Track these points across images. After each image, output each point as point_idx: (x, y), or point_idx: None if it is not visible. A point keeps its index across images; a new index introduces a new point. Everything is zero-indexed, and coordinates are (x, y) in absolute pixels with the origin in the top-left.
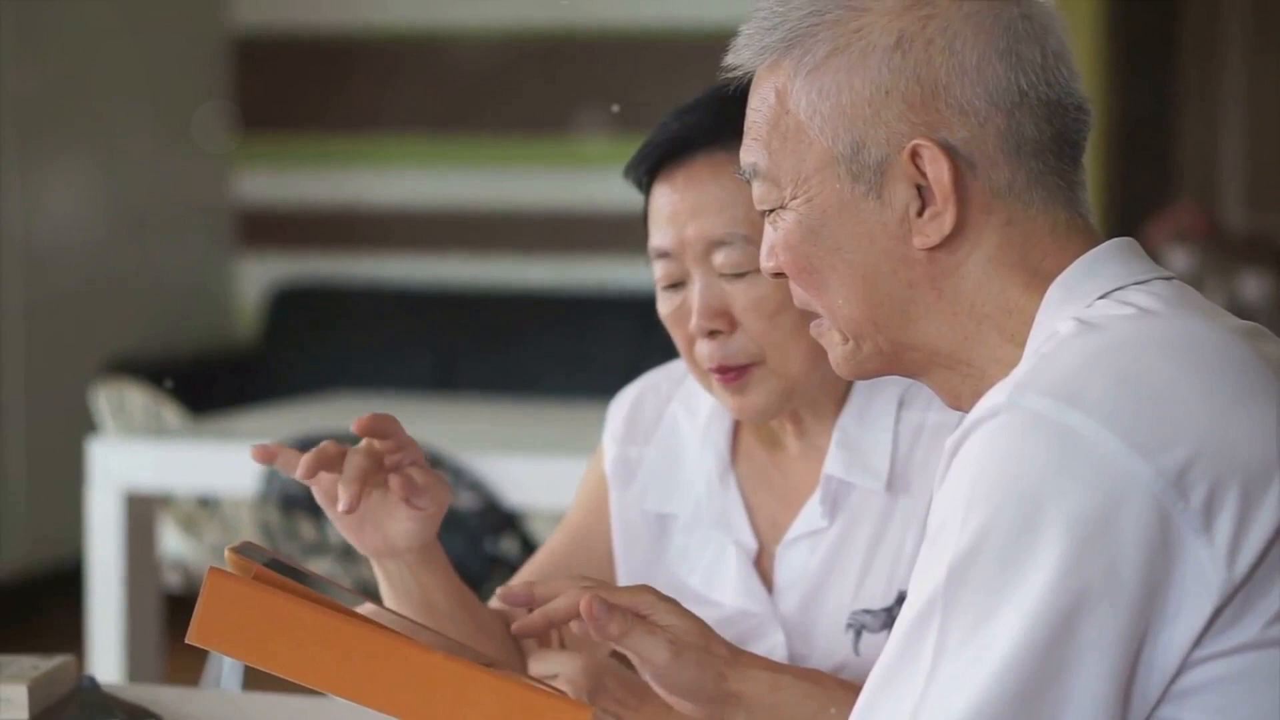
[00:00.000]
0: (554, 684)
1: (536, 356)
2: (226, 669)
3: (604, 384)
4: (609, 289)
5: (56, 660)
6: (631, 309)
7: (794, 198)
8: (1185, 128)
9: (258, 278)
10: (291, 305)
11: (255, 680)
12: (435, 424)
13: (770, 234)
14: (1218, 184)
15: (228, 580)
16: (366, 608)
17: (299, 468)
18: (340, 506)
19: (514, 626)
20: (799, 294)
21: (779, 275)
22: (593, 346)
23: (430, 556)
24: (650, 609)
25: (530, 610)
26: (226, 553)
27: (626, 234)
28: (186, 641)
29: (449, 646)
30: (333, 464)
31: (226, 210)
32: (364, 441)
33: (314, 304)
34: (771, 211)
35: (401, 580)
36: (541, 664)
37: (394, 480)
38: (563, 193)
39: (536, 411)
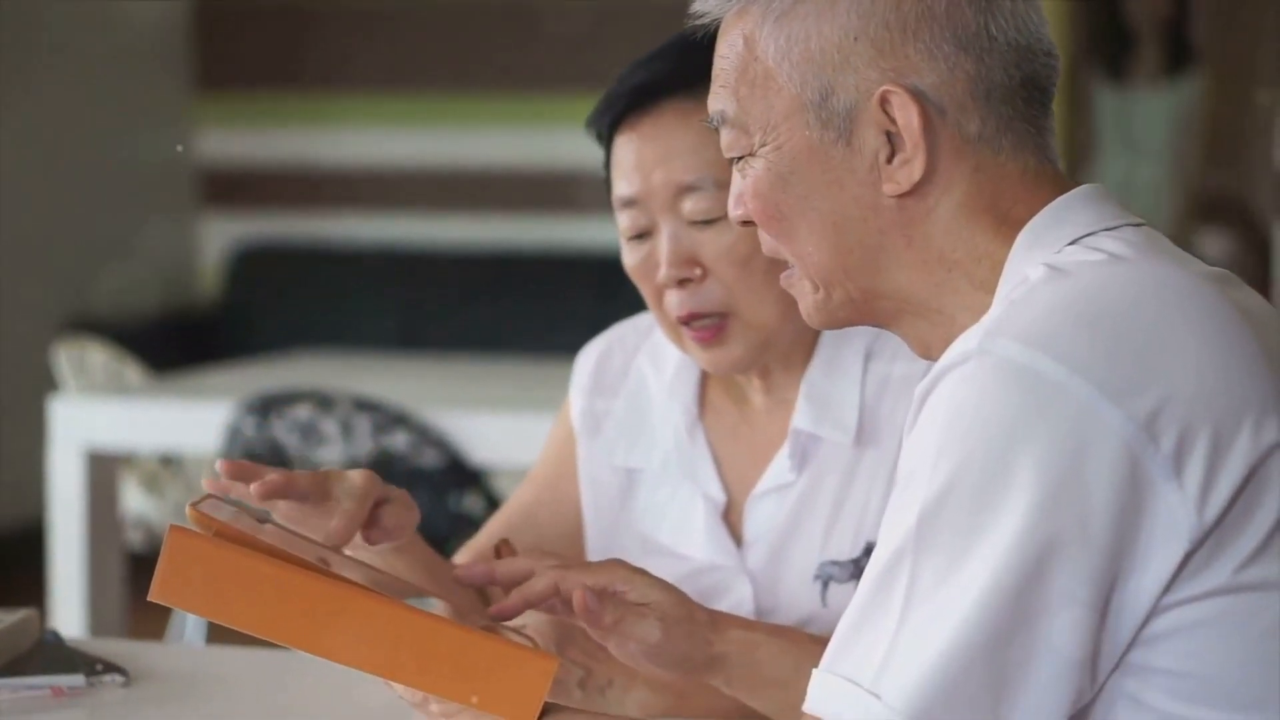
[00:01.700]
0: (523, 634)
1: (500, 315)
2: (190, 624)
3: (568, 342)
4: (573, 247)
5: (19, 614)
6: (596, 267)
7: (763, 145)
8: None
9: (220, 237)
10: (254, 264)
11: (219, 636)
12: (399, 381)
13: (738, 182)
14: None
15: (189, 537)
16: (319, 551)
17: (260, 485)
18: (331, 543)
19: (490, 610)
20: (768, 242)
21: (747, 223)
22: (557, 305)
23: (403, 548)
24: (626, 583)
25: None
26: (188, 508)
27: (591, 192)
28: (149, 599)
29: (410, 592)
30: (299, 494)
31: (188, 169)
32: (361, 485)
33: (276, 263)
34: (740, 159)
35: (367, 558)
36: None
37: (365, 533)
38: (526, 151)
39: (500, 369)
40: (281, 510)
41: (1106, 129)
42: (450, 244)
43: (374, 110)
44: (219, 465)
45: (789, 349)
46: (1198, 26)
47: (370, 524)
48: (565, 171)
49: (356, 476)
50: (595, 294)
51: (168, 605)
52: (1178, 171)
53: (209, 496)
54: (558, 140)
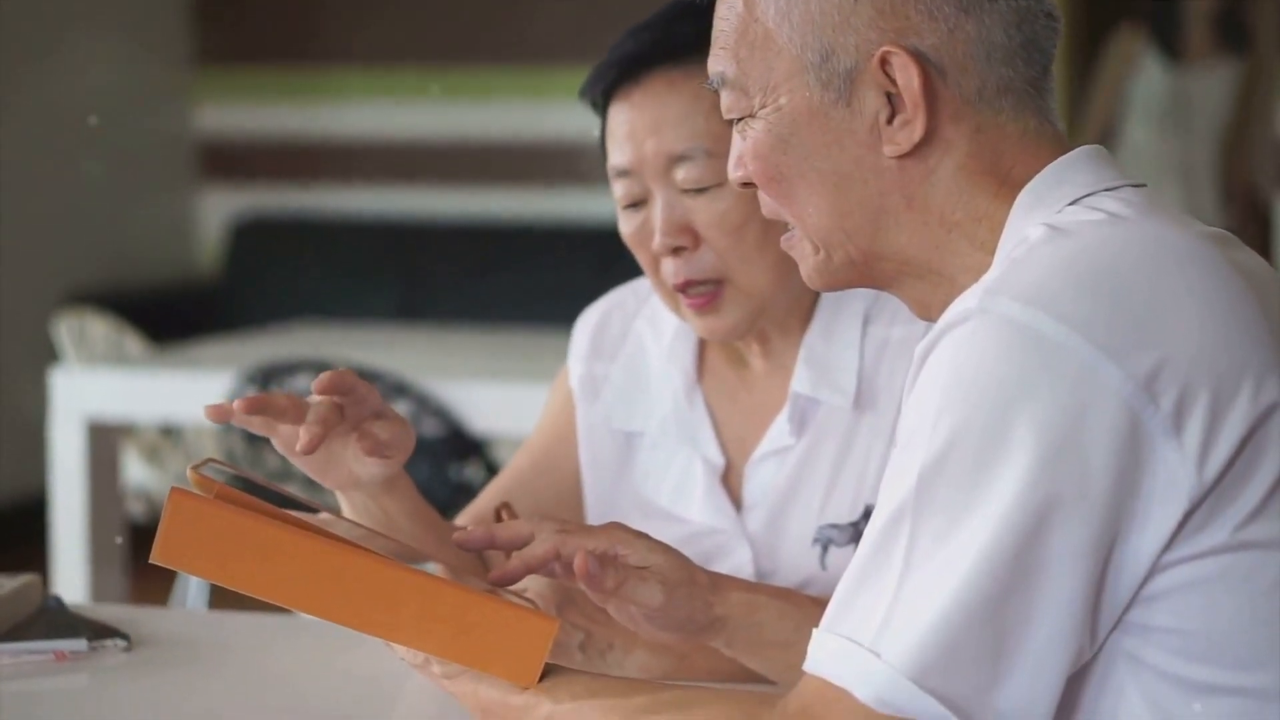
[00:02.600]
0: (523, 597)
1: (500, 287)
2: (193, 589)
3: (568, 314)
4: (572, 219)
5: (21, 579)
6: (595, 239)
7: (763, 106)
8: None
9: (219, 209)
10: (254, 237)
11: (221, 603)
12: (400, 352)
13: (738, 143)
14: None
15: (190, 499)
16: (323, 517)
17: (241, 402)
18: (299, 446)
19: (491, 576)
20: (768, 204)
21: (747, 185)
22: (556, 277)
23: (394, 485)
24: (627, 547)
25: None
26: (189, 471)
27: (590, 164)
28: (150, 561)
29: (410, 556)
30: (285, 415)
31: (188, 142)
32: (325, 397)
33: (276, 236)
34: (740, 120)
35: (365, 507)
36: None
37: (358, 442)
38: (526, 123)
39: (501, 339)
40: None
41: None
42: (449, 216)
43: (373, 83)
44: (205, 410)
45: (786, 314)
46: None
47: (361, 435)
48: (564, 143)
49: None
50: (594, 265)
51: (169, 567)
52: (1224, 152)
53: (210, 460)
54: (557, 112)
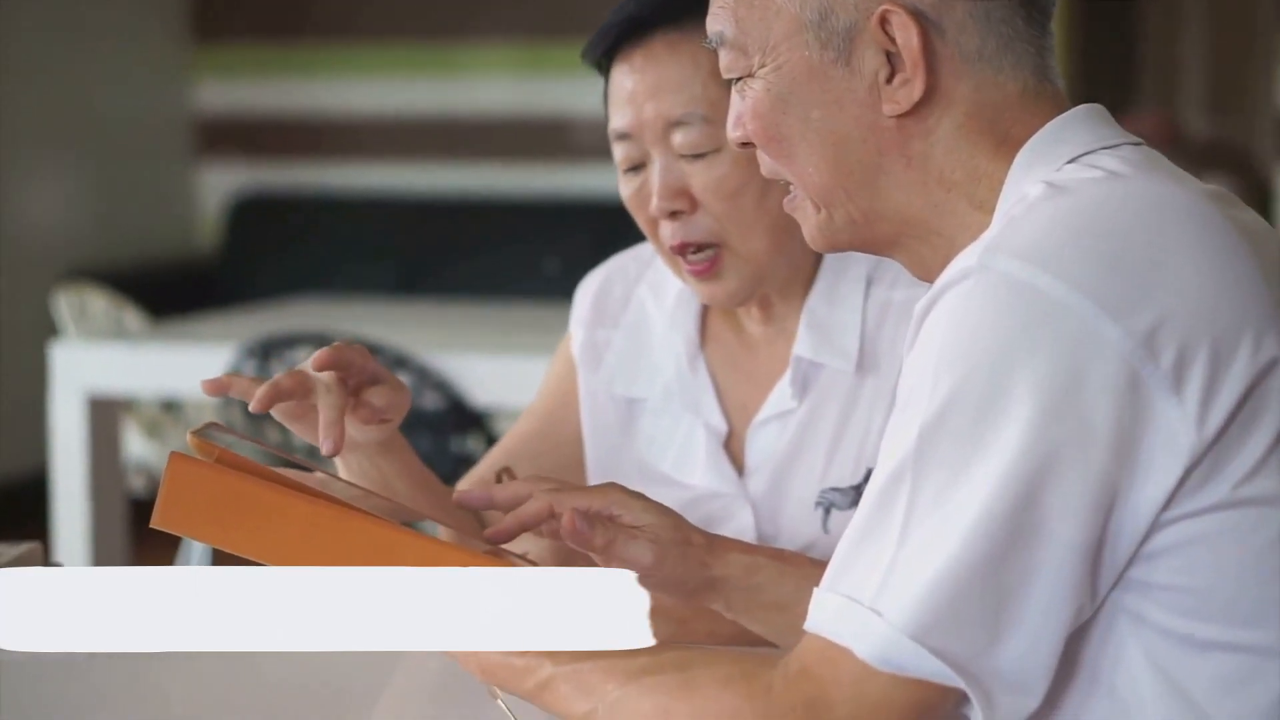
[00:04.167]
0: (525, 560)
1: (499, 263)
2: (194, 560)
3: (567, 287)
4: (570, 194)
5: (22, 547)
6: (593, 213)
7: (762, 66)
8: (1147, 34)
9: (219, 185)
10: (253, 213)
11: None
12: (400, 325)
13: (738, 103)
14: (1179, 90)
15: (190, 464)
16: (318, 477)
17: (253, 402)
18: (326, 451)
19: (486, 533)
20: (767, 163)
21: (746, 145)
22: (555, 252)
23: (389, 447)
24: (622, 507)
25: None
26: (189, 436)
27: (588, 139)
28: (150, 526)
29: (408, 517)
30: (286, 395)
31: (187, 118)
32: (329, 376)
33: (275, 213)
34: (739, 80)
35: (361, 469)
36: (512, 543)
37: (355, 411)
38: (525, 99)
39: (501, 313)
40: (279, 412)
41: None
42: (449, 190)
43: (371, 59)
44: (201, 385)
45: (787, 279)
46: None
47: (358, 405)
48: (563, 119)
49: (325, 376)
50: (593, 239)
51: (170, 532)
52: None
53: (210, 424)
54: (556, 87)
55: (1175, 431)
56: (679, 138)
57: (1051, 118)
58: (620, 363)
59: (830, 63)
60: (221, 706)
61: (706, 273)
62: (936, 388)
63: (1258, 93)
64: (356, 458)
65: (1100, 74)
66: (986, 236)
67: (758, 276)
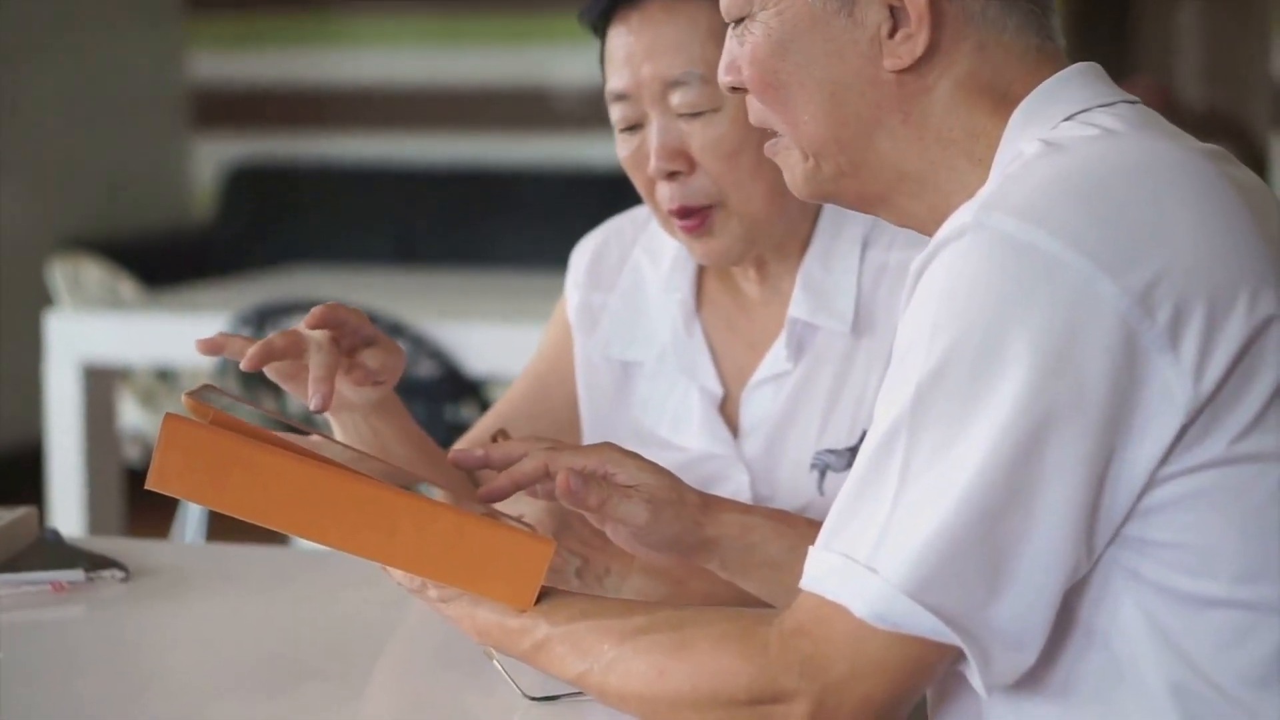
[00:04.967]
0: (521, 521)
1: (494, 232)
2: (190, 524)
3: (563, 256)
4: (566, 163)
5: (18, 512)
6: (591, 184)
7: (764, 9)
8: (1142, 3)
9: (213, 156)
10: (247, 183)
11: (219, 535)
12: (395, 294)
13: (734, 48)
14: (1174, 60)
15: (185, 425)
16: (314, 440)
17: (245, 359)
18: (314, 406)
19: (480, 491)
20: (757, 109)
21: (736, 90)
22: (551, 223)
23: (384, 407)
24: (617, 466)
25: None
26: (184, 397)
27: (583, 109)
28: (146, 487)
29: (404, 479)
30: (279, 354)
31: (182, 89)
32: (321, 334)
33: (270, 182)
34: (738, 24)
35: (356, 429)
36: (507, 505)
37: (349, 373)
38: (520, 69)
39: (496, 282)
40: (272, 371)
41: None
42: (444, 160)
43: (365, 29)
44: (195, 344)
45: (782, 239)
46: None
47: (352, 366)
48: (560, 88)
49: (318, 334)
50: (588, 209)
51: (165, 493)
52: None
53: (206, 386)
54: (552, 57)
55: (1171, 388)
56: (677, 98)
57: (1050, 76)
58: (616, 326)
59: (833, 12)
60: (221, 679)
61: (698, 229)
62: (932, 345)
63: (1252, 63)
64: (352, 419)
65: (1094, 44)
66: (982, 194)
67: (752, 236)
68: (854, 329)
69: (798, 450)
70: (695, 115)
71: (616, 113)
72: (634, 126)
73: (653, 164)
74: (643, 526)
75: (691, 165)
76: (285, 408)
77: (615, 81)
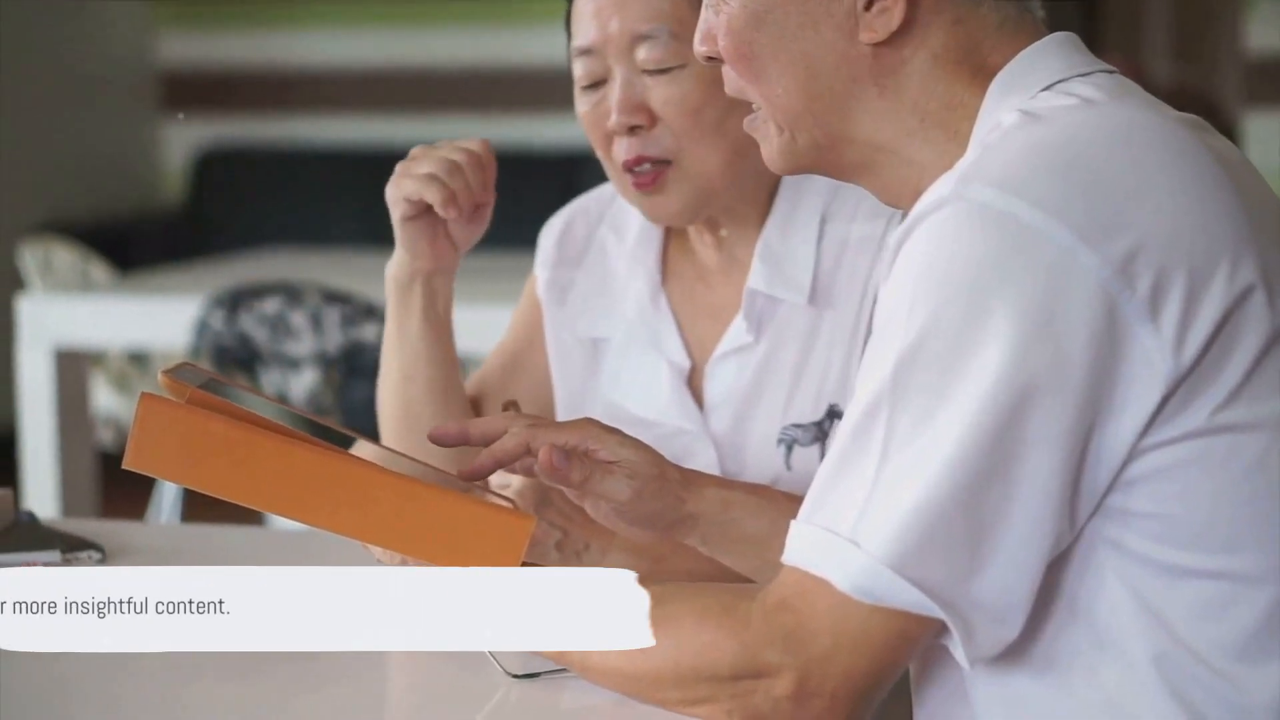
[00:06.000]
0: (501, 496)
1: None
2: (166, 504)
3: (533, 238)
4: (538, 146)
5: None
6: (559, 165)
7: None
8: None
9: (183, 138)
10: (218, 166)
11: (195, 515)
12: (368, 276)
13: (710, 18)
14: (1143, 37)
15: (161, 404)
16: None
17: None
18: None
19: (461, 472)
20: (732, 81)
21: (712, 60)
22: (520, 204)
23: (446, 276)
24: (598, 442)
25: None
26: (161, 375)
27: (556, 90)
28: (124, 467)
29: (391, 460)
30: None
31: (150, 71)
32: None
33: (240, 166)
34: None
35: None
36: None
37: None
38: (491, 50)
39: (468, 262)
40: None
41: None
42: (413, 142)
43: (334, 10)
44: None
45: (735, 204)
46: None
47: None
48: (528, 70)
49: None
50: (559, 191)
51: (142, 473)
52: None
53: (184, 363)
54: (520, 39)
55: (1152, 359)
56: (643, 53)
57: (1028, 46)
58: (583, 302)
59: None
60: (197, 660)
61: (651, 185)
62: (912, 317)
63: (1222, 40)
64: (443, 281)
65: (1064, 22)
66: (961, 165)
67: (703, 197)
68: (813, 301)
69: (765, 425)
70: (661, 71)
71: (580, 68)
72: (596, 83)
73: (614, 118)
74: (625, 502)
75: (652, 119)
76: (260, 387)
77: (580, 38)
